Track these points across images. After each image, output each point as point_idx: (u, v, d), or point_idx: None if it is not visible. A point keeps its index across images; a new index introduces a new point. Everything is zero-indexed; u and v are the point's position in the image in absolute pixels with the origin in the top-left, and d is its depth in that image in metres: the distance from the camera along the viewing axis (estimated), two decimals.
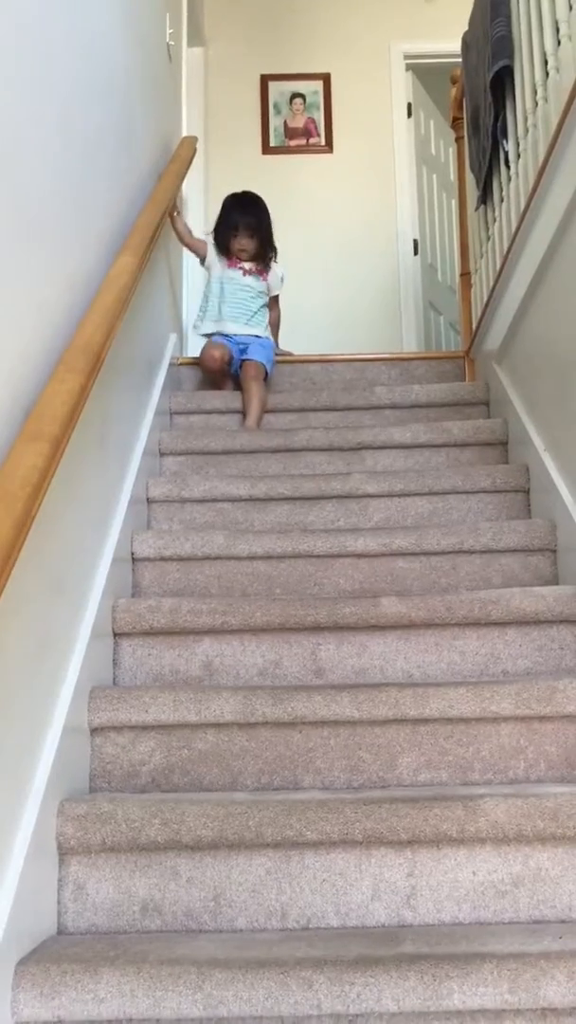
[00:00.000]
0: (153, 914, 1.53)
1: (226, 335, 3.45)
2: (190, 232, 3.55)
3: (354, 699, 1.79)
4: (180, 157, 3.36)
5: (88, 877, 1.54)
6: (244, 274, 3.49)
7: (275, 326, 3.64)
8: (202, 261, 3.57)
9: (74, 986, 1.29)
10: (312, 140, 5.21)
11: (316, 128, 5.21)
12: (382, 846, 1.54)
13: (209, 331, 3.49)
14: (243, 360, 3.37)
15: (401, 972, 1.29)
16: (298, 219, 5.03)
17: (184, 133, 4.02)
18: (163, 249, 3.14)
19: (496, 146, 2.98)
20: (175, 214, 3.37)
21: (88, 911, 1.53)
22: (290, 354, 3.67)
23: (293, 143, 5.20)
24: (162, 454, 2.91)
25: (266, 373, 3.36)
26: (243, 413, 3.24)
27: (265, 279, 3.54)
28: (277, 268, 3.59)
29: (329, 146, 5.20)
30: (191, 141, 3.68)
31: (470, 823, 1.53)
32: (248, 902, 1.53)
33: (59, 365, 1.55)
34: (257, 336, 3.46)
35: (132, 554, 2.35)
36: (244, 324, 3.46)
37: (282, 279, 3.62)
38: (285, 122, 5.21)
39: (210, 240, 3.54)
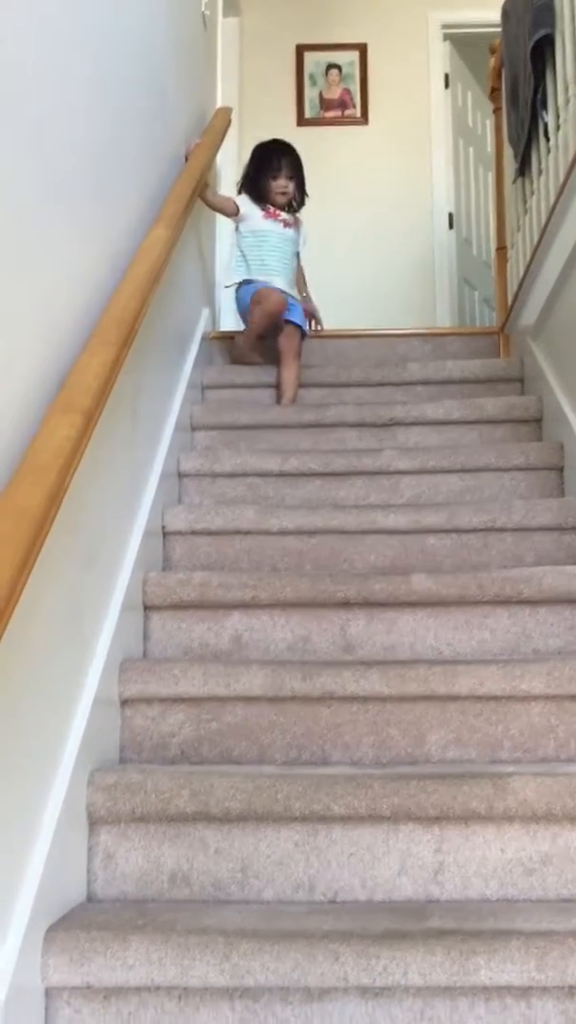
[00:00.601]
0: (181, 884, 1.54)
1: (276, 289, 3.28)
2: (215, 192, 3.43)
3: (383, 675, 1.78)
4: (214, 128, 3.33)
5: (118, 846, 1.56)
6: (285, 226, 3.37)
7: (303, 281, 3.54)
8: (236, 216, 3.37)
9: (103, 952, 1.31)
10: (348, 112, 5.14)
11: (352, 99, 5.15)
12: (410, 822, 1.54)
13: (255, 279, 3.30)
14: (286, 321, 3.27)
15: (428, 947, 1.29)
16: (332, 192, 4.97)
17: (219, 104, 3.99)
18: (196, 222, 3.12)
19: (535, 117, 2.92)
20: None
21: (117, 879, 1.55)
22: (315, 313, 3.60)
23: (328, 115, 5.14)
24: (194, 428, 2.91)
25: (301, 338, 3.29)
26: (277, 387, 3.20)
27: (299, 232, 3.44)
28: (305, 225, 3.50)
29: (364, 118, 5.13)
30: (226, 112, 3.65)
31: (499, 801, 1.52)
32: (275, 874, 1.54)
33: (92, 337, 1.55)
34: (295, 299, 3.38)
35: (163, 528, 2.36)
36: (287, 283, 3.35)
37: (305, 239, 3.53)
38: (320, 93, 5.14)
39: (240, 197, 3.40)
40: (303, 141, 5.04)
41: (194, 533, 2.38)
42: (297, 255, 3.47)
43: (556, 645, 2.05)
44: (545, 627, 2.06)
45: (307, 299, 3.49)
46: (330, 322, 3.80)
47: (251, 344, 3.33)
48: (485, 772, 1.60)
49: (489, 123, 4.92)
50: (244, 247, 3.35)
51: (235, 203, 3.35)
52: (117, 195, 1.98)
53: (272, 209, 3.36)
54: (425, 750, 1.78)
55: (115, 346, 1.53)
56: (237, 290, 3.37)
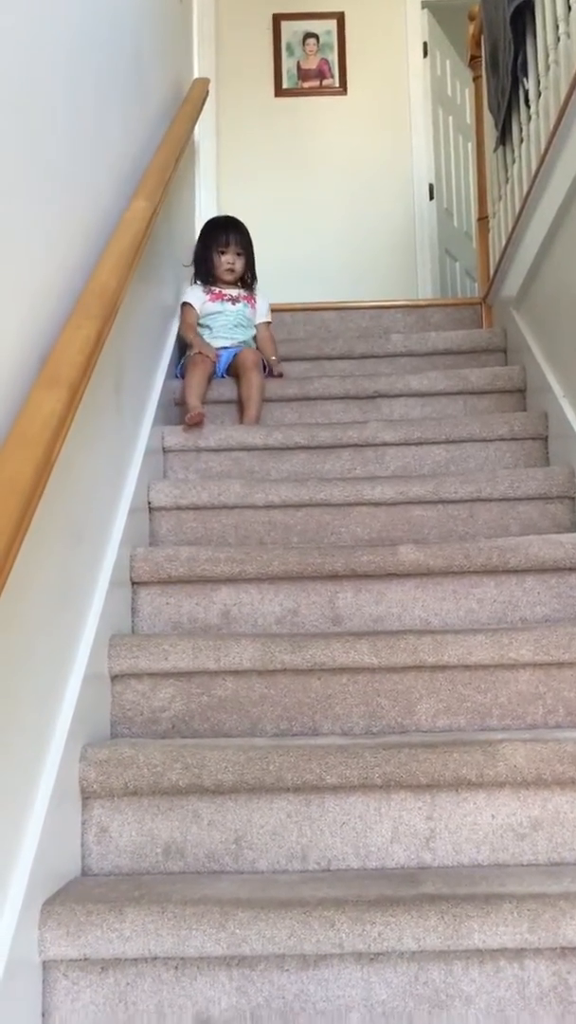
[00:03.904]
0: (176, 856, 1.55)
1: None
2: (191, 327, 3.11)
3: (372, 646, 1.79)
4: (192, 99, 3.29)
5: (111, 820, 1.56)
6: (233, 303, 3.16)
7: (269, 345, 3.20)
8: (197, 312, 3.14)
9: (99, 925, 1.31)
10: (326, 82, 5.09)
11: (330, 69, 5.09)
12: (401, 790, 1.55)
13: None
14: (237, 353, 2.99)
15: (422, 912, 1.31)
16: (311, 163, 4.94)
17: (195, 75, 3.94)
18: (176, 195, 3.09)
19: (516, 84, 2.91)
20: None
21: (111, 853, 1.55)
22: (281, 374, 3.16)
23: (306, 85, 5.08)
24: (177, 403, 2.90)
25: (264, 366, 2.99)
26: (239, 405, 2.90)
27: (253, 307, 3.20)
28: (262, 299, 3.25)
29: (343, 88, 5.07)
30: (203, 83, 3.60)
31: (489, 767, 1.54)
32: (269, 845, 1.55)
33: (75, 311, 1.54)
34: (245, 342, 3.14)
35: (149, 503, 2.35)
36: (231, 341, 3.11)
37: (269, 309, 3.26)
38: (298, 63, 5.08)
39: (190, 290, 3.18)
40: (281, 112, 5.05)
41: (180, 508, 2.38)
42: (267, 324, 3.22)
43: (543, 613, 2.07)
44: (532, 596, 2.07)
45: (276, 363, 3.16)
46: (311, 295, 3.78)
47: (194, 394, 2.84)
48: (475, 740, 1.61)
49: (468, 92, 4.88)
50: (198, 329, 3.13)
51: (191, 306, 3.11)
52: (98, 168, 1.95)
53: (217, 291, 3.16)
54: (415, 719, 1.79)
55: (98, 319, 1.52)
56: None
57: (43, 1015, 1.32)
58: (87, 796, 1.56)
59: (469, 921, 1.30)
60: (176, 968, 1.33)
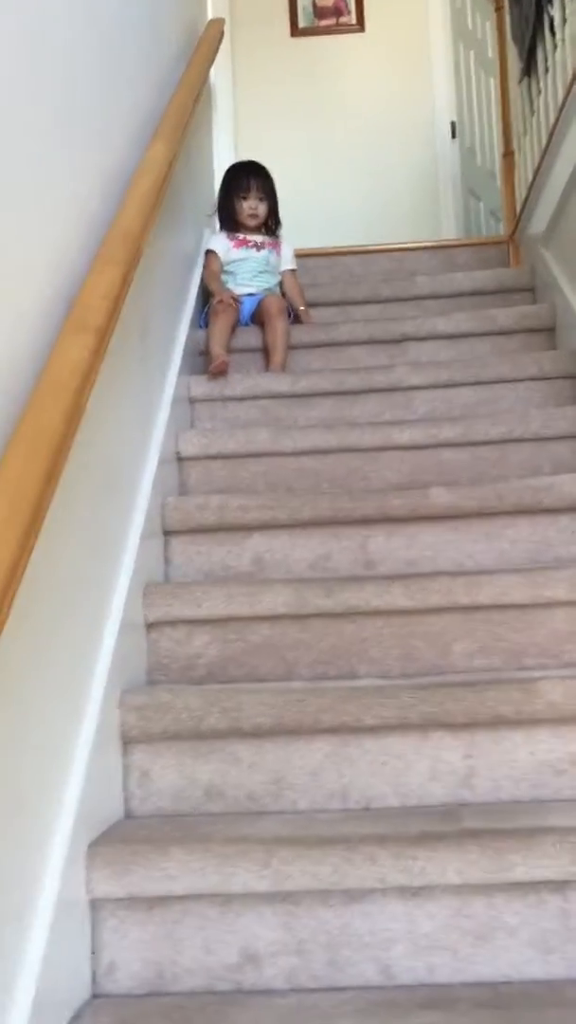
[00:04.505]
0: (216, 798, 1.56)
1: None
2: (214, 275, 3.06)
3: (406, 589, 1.78)
4: (207, 40, 3.22)
5: (152, 764, 1.58)
6: (257, 249, 3.11)
7: (297, 294, 3.16)
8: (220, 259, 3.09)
9: (145, 864, 1.33)
10: (343, 19, 4.96)
11: (346, 5, 4.95)
12: (439, 729, 1.56)
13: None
14: (261, 300, 2.97)
15: (463, 846, 1.32)
16: (330, 105, 4.83)
17: (210, 16, 3.85)
18: (195, 140, 3.03)
19: (540, 12, 2.82)
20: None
21: (153, 796, 1.57)
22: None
23: (323, 23, 4.95)
24: (202, 353, 2.87)
25: (290, 313, 2.98)
26: (264, 353, 2.87)
27: (278, 253, 3.15)
28: (287, 246, 3.20)
29: (360, 25, 4.94)
30: (218, 24, 3.52)
31: (527, 705, 1.53)
32: (309, 785, 1.56)
33: (98, 256, 1.52)
34: (270, 289, 3.09)
35: (177, 453, 2.34)
36: (255, 288, 3.08)
37: (294, 256, 3.21)
38: (314, 1, 4.95)
39: (215, 237, 3.15)
40: (298, 52, 4.94)
41: (208, 457, 2.37)
42: (293, 272, 3.19)
43: None
44: (566, 535, 2.05)
45: (306, 313, 3.13)
46: (333, 239, 3.72)
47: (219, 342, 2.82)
48: (512, 678, 1.61)
49: (490, 25, 4.75)
50: (222, 276, 3.09)
51: (214, 254, 3.07)
52: (115, 111, 1.92)
53: (242, 237, 3.12)
54: (451, 660, 1.79)
55: (122, 264, 1.50)
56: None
57: (93, 952, 1.35)
58: (127, 741, 1.58)
59: (512, 855, 1.30)
60: (221, 905, 1.35)
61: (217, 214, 3.21)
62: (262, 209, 3.14)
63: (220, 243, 3.11)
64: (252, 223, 3.14)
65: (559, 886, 1.32)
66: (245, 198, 3.13)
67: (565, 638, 1.79)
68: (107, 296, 1.41)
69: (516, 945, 1.32)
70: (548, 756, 1.54)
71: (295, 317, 3.04)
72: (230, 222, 3.16)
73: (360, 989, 1.32)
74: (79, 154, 1.60)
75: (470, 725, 1.55)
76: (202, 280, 3.07)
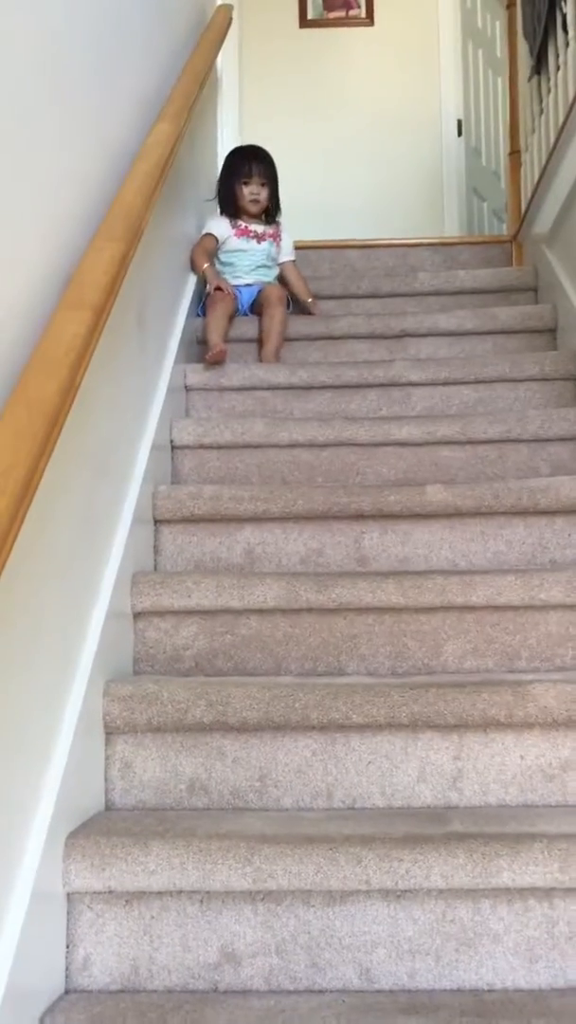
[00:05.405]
0: (200, 792, 1.53)
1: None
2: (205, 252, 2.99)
3: (399, 586, 1.76)
4: (215, 26, 3.18)
5: (135, 756, 1.55)
6: (258, 241, 3.05)
7: (301, 285, 3.11)
8: (217, 246, 3.04)
9: (124, 858, 1.30)
10: (352, 12, 4.92)
11: None
12: (428, 730, 1.53)
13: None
14: (261, 289, 2.94)
15: (450, 850, 1.29)
16: (336, 97, 4.80)
17: (219, 1, 3.80)
18: (199, 125, 2.99)
19: (553, 9, 2.79)
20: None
21: (135, 788, 1.54)
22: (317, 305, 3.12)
23: (332, 15, 4.91)
24: (199, 342, 2.84)
25: (289, 303, 2.94)
26: (258, 342, 2.83)
27: (279, 245, 3.09)
28: (287, 236, 3.13)
29: (370, 18, 4.90)
30: (226, 10, 3.47)
31: (519, 708, 1.51)
32: (294, 782, 1.53)
33: (98, 233, 1.48)
34: (268, 282, 3.02)
35: (171, 442, 2.31)
36: (252, 280, 3.04)
37: (293, 247, 3.16)
38: None
39: (215, 221, 3.06)
40: (305, 44, 4.90)
41: (203, 447, 2.33)
42: (294, 263, 3.13)
43: (573, 555, 2.02)
44: (562, 537, 2.03)
45: (313, 303, 3.08)
46: (335, 232, 3.69)
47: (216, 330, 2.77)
48: (504, 680, 1.58)
49: (499, 25, 4.71)
50: (219, 264, 3.04)
51: (212, 237, 3.01)
52: (120, 92, 1.88)
53: (243, 225, 3.04)
54: (442, 660, 1.76)
55: (123, 242, 1.46)
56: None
57: (68, 946, 1.32)
58: (111, 731, 1.55)
59: (498, 860, 1.28)
60: (201, 902, 1.32)
61: (217, 199, 3.15)
62: (264, 194, 3.07)
63: (221, 227, 3.04)
64: (254, 209, 3.07)
65: (546, 893, 1.30)
66: (247, 183, 3.06)
67: (559, 641, 1.76)
68: (106, 273, 1.37)
69: (501, 952, 1.30)
70: (539, 761, 1.52)
71: (300, 308, 3.00)
72: (231, 207, 3.08)
73: (340, 992, 1.29)
74: (80, 131, 1.56)
75: (460, 727, 1.52)
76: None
